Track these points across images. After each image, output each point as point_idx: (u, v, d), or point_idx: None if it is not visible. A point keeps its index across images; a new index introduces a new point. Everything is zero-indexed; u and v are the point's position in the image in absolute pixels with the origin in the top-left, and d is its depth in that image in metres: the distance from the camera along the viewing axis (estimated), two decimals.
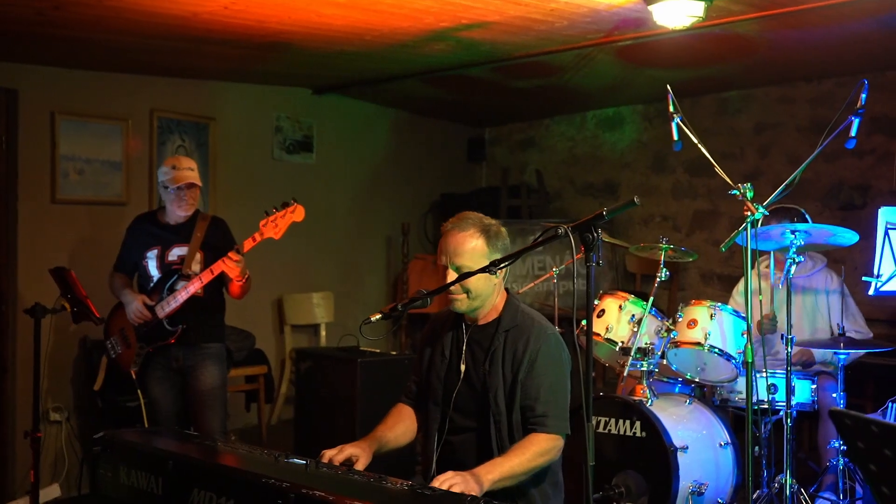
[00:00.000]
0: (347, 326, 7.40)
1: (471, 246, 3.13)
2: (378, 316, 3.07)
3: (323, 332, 7.69)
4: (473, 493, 2.75)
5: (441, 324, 3.40)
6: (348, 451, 3.05)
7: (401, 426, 3.34)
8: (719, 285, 7.71)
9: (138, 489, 3.13)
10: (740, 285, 5.23)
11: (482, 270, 2.94)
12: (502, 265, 2.91)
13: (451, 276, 3.13)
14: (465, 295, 3.17)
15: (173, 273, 4.75)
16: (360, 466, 3.01)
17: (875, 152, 6.86)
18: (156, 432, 3.68)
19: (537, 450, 3.05)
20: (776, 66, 6.70)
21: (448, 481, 2.77)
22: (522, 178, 9.00)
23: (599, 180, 8.63)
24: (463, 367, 3.24)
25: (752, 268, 5.26)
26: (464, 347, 3.26)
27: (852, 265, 6.55)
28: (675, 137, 4.37)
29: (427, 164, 8.92)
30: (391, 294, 8.43)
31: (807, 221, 4.86)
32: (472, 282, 3.12)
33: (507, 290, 3.33)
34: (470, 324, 3.29)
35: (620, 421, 4.30)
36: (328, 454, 3.04)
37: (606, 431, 4.34)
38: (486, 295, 3.21)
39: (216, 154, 7.04)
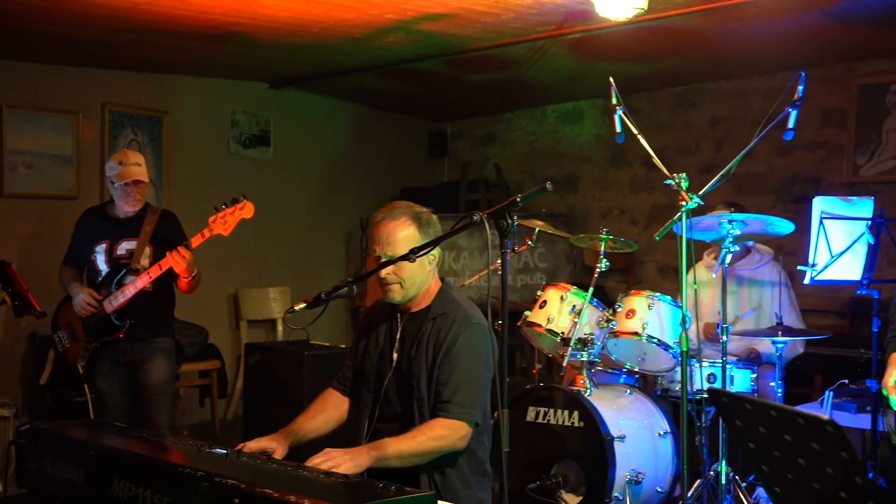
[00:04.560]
0: (305, 321, 7.37)
1: (403, 234, 3.14)
2: (302, 305, 3.06)
3: (280, 328, 7.68)
4: (351, 467, 2.77)
5: (377, 312, 3.41)
6: (264, 443, 3.05)
7: (322, 416, 3.35)
8: (676, 278, 7.73)
9: (62, 480, 3.11)
10: (692, 275, 5.26)
11: (403, 258, 2.94)
12: (421, 252, 2.91)
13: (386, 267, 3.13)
14: (398, 284, 3.17)
15: (122, 267, 4.71)
16: (276, 457, 3.01)
17: (827, 145, 6.91)
18: (85, 424, 3.65)
19: (432, 434, 3.03)
20: (729, 59, 6.74)
21: (318, 460, 2.79)
22: (483, 172, 9.02)
23: (559, 174, 8.65)
24: (395, 356, 3.24)
25: (699, 259, 5.32)
26: (397, 336, 3.26)
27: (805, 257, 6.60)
28: (618, 130, 4.38)
29: (387, 158, 8.91)
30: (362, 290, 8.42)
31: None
32: (406, 270, 3.13)
33: (442, 279, 3.33)
34: (404, 312, 3.29)
35: (559, 411, 4.31)
36: (246, 445, 3.04)
37: (546, 422, 4.35)
38: (420, 282, 3.22)
39: (170, 148, 7.01)
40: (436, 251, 3.19)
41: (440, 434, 3.04)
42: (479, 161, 9.17)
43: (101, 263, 4.77)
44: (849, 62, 6.70)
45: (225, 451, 2.95)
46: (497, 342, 2.76)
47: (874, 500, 1.58)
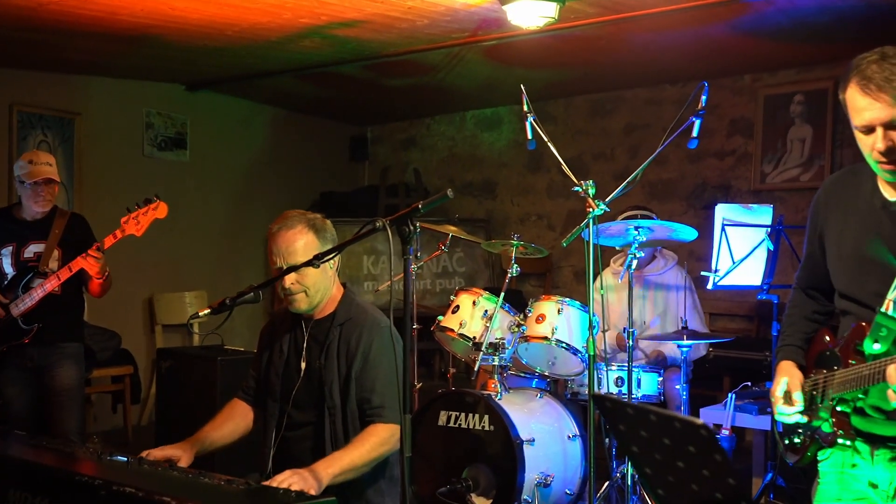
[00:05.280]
0: (223, 325, 7.30)
1: (302, 243, 3.14)
2: (206, 311, 3.02)
3: (196, 332, 7.58)
4: (311, 491, 2.74)
5: (281, 320, 3.40)
6: (169, 451, 3.03)
7: (229, 424, 3.33)
8: None
9: None
10: (597, 282, 5.35)
11: (307, 264, 2.94)
12: (326, 258, 2.91)
13: (290, 276, 3.13)
14: (303, 293, 3.17)
15: (29, 270, 4.62)
16: (181, 466, 2.98)
17: (735, 153, 7.11)
18: None
19: (377, 440, 3.05)
20: (641, 68, 6.88)
21: (286, 480, 2.75)
22: (403, 176, 9.04)
23: (478, 179, 8.73)
24: (304, 365, 3.24)
25: (607, 266, 5.42)
26: (304, 344, 3.26)
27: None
28: (529, 136, 4.43)
29: (307, 162, 8.88)
30: (269, 293, 8.36)
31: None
32: (309, 278, 3.13)
33: (343, 284, 3.34)
34: (308, 319, 3.29)
35: (470, 415, 4.35)
36: (151, 453, 3.00)
37: (457, 426, 4.38)
38: (324, 289, 3.22)
39: (82, 150, 6.88)
40: (336, 257, 3.20)
41: (384, 438, 3.05)
42: (400, 165, 9.20)
43: (7, 266, 4.67)
44: (756, 73, 6.90)
45: (126, 459, 2.91)
46: (401, 346, 2.77)
47: (746, 501, 1.64)
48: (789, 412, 2.61)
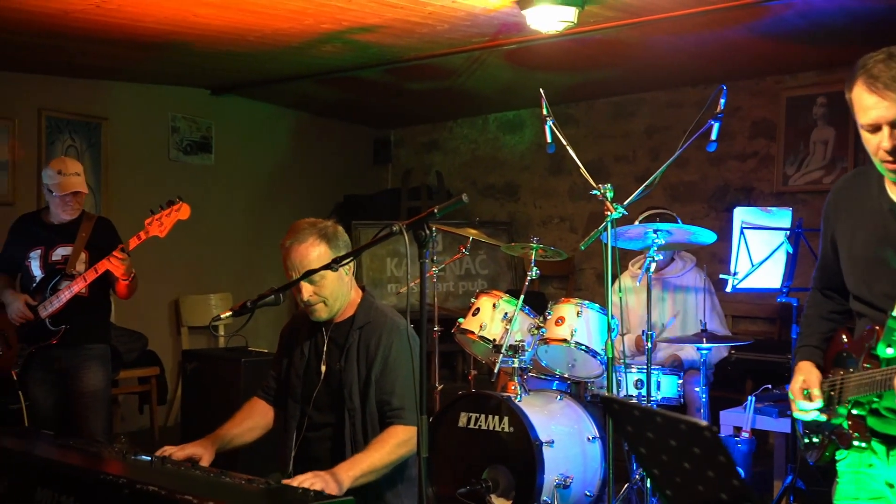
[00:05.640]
0: (248, 327, 7.37)
1: (315, 255, 3.19)
2: (228, 313, 3.09)
3: (222, 334, 7.66)
4: (333, 493, 2.79)
5: (301, 322, 3.45)
6: (189, 449, 3.09)
7: (248, 423, 3.39)
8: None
9: None
10: (618, 284, 5.37)
11: (325, 267, 3.00)
12: (343, 262, 2.96)
13: (307, 288, 3.19)
14: (322, 303, 3.23)
15: (57, 273, 4.70)
16: (203, 464, 3.04)
17: (757, 155, 7.09)
18: (10, 433, 3.64)
19: (396, 441, 3.10)
20: (662, 71, 6.88)
21: (308, 482, 2.80)
22: (426, 179, 9.09)
23: (500, 182, 8.76)
24: (324, 368, 3.29)
25: (625, 269, 5.43)
26: (324, 347, 3.31)
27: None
28: (549, 140, 4.45)
29: (331, 165, 8.94)
30: (291, 296, 8.43)
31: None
32: (327, 287, 3.19)
33: (363, 288, 3.39)
34: (328, 323, 3.34)
35: (490, 417, 4.38)
36: (170, 451, 3.07)
37: (477, 427, 4.42)
38: (342, 296, 3.28)
39: (109, 155, 6.98)
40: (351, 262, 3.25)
41: (403, 440, 3.10)
42: (422, 168, 9.24)
43: (36, 269, 4.75)
44: (777, 75, 6.89)
45: (150, 459, 2.98)
46: (418, 348, 2.82)
47: (750, 502, 1.67)
48: (808, 409, 2.63)
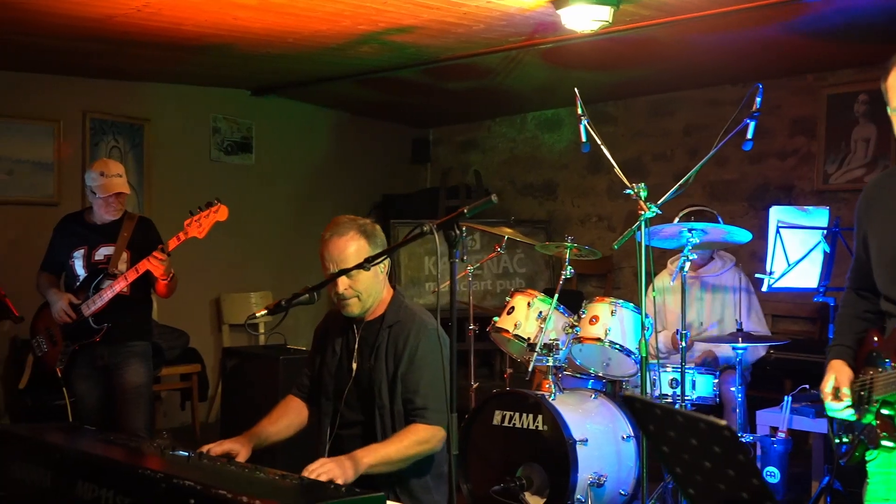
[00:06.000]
0: (287, 325, 7.46)
1: (354, 248, 3.24)
2: (262, 312, 3.15)
3: (262, 332, 7.76)
4: (345, 478, 2.84)
5: (334, 320, 3.51)
6: (227, 445, 3.15)
7: (284, 420, 3.45)
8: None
9: (29, 483, 3.20)
10: (655, 283, 5.36)
11: (357, 267, 3.04)
12: (376, 261, 3.01)
13: (343, 281, 3.23)
14: (356, 298, 3.27)
15: (99, 272, 4.80)
16: (240, 460, 3.11)
17: (797, 153, 7.03)
18: (53, 428, 3.73)
19: (415, 439, 3.14)
20: (700, 69, 6.85)
21: (323, 466, 2.86)
22: (464, 178, 9.12)
23: (539, 180, 8.76)
24: (355, 365, 3.33)
25: (664, 268, 5.42)
26: (355, 345, 3.36)
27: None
28: (584, 139, 4.46)
29: (370, 164, 9.00)
30: (327, 293, 8.51)
31: (717, 222, 4.98)
32: (361, 283, 3.23)
33: (394, 287, 3.43)
34: (360, 321, 3.38)
35: (524, 415, 4.40)
36: (210, 448, 3.13)
37: (511, 425, 4.44)
38: (376, 293, 3.32)
39: (151, 155, 7.10)
40: (386, 260, 3.29)
41: (423, 438, 3.14)
42: (461, 167, 9.27)
43: (79, 268, 4.86)
44: (818, 72, 6.82)
45: (187, 454, 3.04)
46: (448, 348, 2.85)
47: (771, 501, 1.68)
48: (838, 407, 2.64)
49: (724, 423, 1.65)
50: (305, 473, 2.86)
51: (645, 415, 1.85)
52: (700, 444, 1.74)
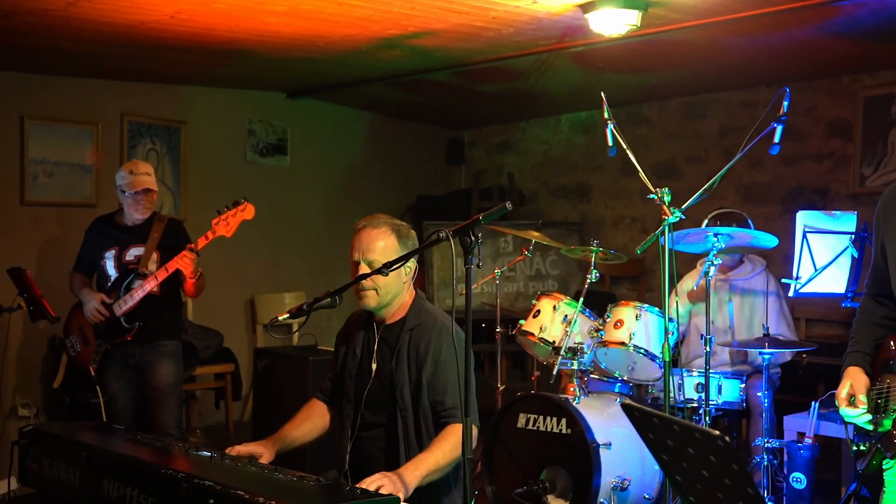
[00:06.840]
0: (320, 326, 7.55)
1: (382, 243, 3.29)
2: (285, 315, 3.22)
3: (295, 331, 7.84)
4: (399, 494, 2.85)
5: (355, 323, 3.55)
6: (251, 447, 3.22)
7: (308, 424, 3.50)
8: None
9: (58, 480, 3.29)
10: (682, 285, 5.35)
11: (377, 272, 3.08)
12: (393, 267, 3.04)
13: (364, 269, 3.28)
14: (374, 291, 3.31)
15: (130, 272, 4.90)
16: (263, 461, 3.17)
17: (833, 156, 6.95)
18: (84, 427, 3.82)
19: (456, 440, 3.15)
20: (734, 71, 6.80)
21: (376, 483, 2.88)
22: (498, 180, 9.13)
23: (572, 182, 8.76)
24: (374, 367, 3.37)
25: (692, 269, 5.40)
26: (374, 347, 3.39)
27: None
28: (610, 143, 4.47)
29: (404, 166, 9.05)
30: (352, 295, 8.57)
31: (748, 226, 4.95)
32: (381, 278, 3.26)
33: (416, 289, 3.46)
34: (380, 323, 3.43)
35: (548, 418, 4.41)
36: (235, 449, 3.20)
37: (535, 428, 4.45)
38: (395, 292, 3.35)
39: (188, 157, 7.21)
40: (412, 264, 3.33)
41: (462, 437, 3.17)
42: (495, 169, 9.29)
43: (111, 269, 4.96)
44: (854, 74, 6.74)
45: (210, 454, 3.11)
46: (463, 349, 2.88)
47: None
48: (854, 414, 2.62)
49: (717, 433, 1.66)
50: (362, 484, 2.87)
51: (644, 424, 1.87)
52: (697, 454, 1.76)
